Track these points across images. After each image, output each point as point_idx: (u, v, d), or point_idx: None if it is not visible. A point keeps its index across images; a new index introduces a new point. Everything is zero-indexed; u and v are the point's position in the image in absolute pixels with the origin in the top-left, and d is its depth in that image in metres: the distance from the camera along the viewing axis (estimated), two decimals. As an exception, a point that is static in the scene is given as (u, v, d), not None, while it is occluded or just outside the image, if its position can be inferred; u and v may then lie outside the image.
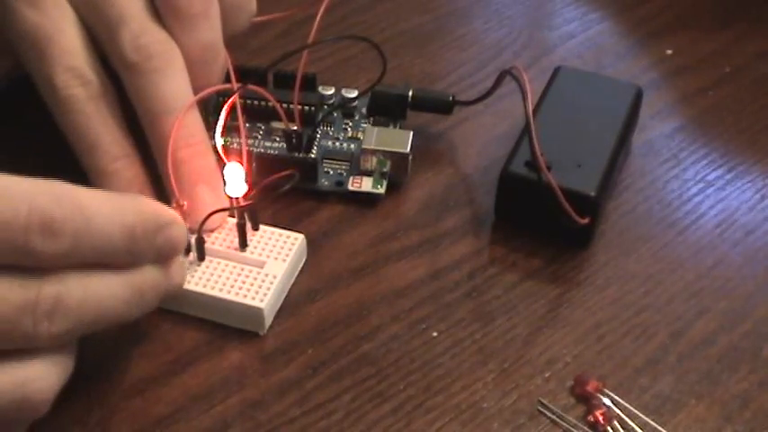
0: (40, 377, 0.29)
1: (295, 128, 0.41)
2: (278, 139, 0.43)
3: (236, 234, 0.38)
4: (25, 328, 0.28)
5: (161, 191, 0.38)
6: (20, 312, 0.28)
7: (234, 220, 0.38)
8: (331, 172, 0.42)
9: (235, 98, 0.39)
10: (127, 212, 0.31)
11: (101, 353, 0.36)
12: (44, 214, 0.28)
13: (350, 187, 0.42)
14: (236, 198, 0.37)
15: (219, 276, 0.36)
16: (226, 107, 0.38)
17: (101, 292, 0.30)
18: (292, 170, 0.37)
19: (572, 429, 0.34)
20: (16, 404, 0.29)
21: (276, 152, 0.42)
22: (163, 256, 0.32)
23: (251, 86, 0.40)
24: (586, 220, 0.38)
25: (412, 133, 0.42)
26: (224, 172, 0.36)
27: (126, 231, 0.30)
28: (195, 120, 0.38)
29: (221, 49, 0.39)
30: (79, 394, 0.34)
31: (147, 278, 0.32)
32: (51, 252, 0.28)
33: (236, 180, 0.36)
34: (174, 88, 0.37)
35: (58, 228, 0.28)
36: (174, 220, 0.32)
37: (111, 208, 0.30)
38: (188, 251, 0.37)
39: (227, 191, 0.37)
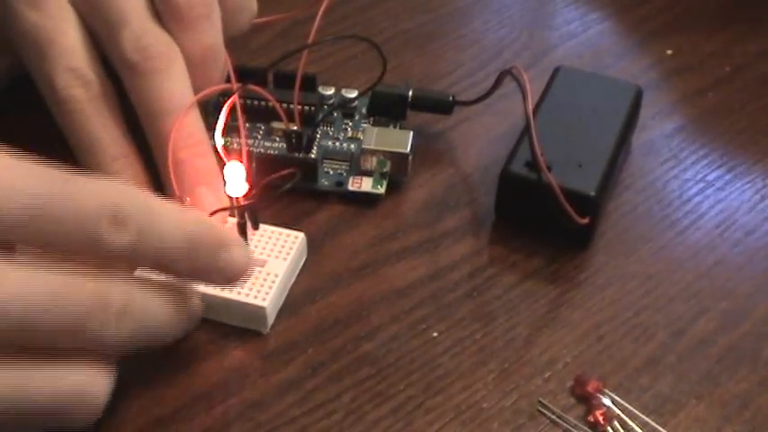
0: (97, 382, 0.30)
1: (295, 128, 0.41)
2: (278, 139, 0.43)
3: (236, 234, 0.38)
4: (94, 329, 0.29)
5: (161, 191, 0.38)
6: (91, 312, 0.29)
7: (234, 220, 0.38)
8: (331, 172, 0.42)
9: (235, 98, 0.39)
10: (192, 222, 0.31)
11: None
12: (114, 207, 0.29)
13: (350, 187, 0.42)
14: (237, 197, 0.37)
15: (220, 276, 0.36)
16: (226, 107, 0.38)
17: (161, 302, 0.31)
18: (293, 169, 0.37)
19: (572, 429, 0.34)
20: (72, 408, 0.29)
21: (276, 152, 0.42)
22: (223, 277, 0.33)
23: (251, 86, 0.40)
24: (586, 220, 0.38)
25: (412, 133, 0.42)
26: (224, 171, 0.36)
27: (189, 237, 0.31)
28: (195, 120, 0.38)
29: (222, 50, 0.39)
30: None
31: (187, 301, 0.33)
32: (118, 244, 0.29)
33: (237, 179, 0.36)
34: (174, 89, 0.37)
35: (125, 220, 0.29)
36: (239, 243, 0.33)
37: (178, 214, 0.31)
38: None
39: (227, 190, 0.37)
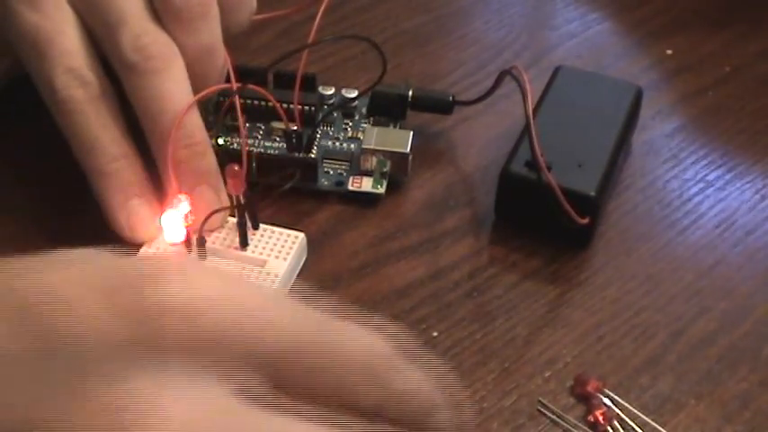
0: None
1: (295, 128, 0.41)
2: (278, 139, 0.43)
3: (236, 233, 0.38)
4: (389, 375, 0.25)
5: (161, 191, 0.38)
6: (383, 359, 0.25)
7: (234, 220, 0.38)
8: (331, 172, 0.42)
9: (234, 98, 0.39)
10: (425, 377, 0.27)
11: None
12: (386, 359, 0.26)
13: (350, 187, 0.42)
14: (237, 197, 0.37)
15: (220, 276, 0.36)
16: (225, 108, 0.38)
17: None
18: (292, 170, 0.37)
19: (572, 429, 0.34)
20: None
21: (276, 152, 0.42)
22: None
23: (251, 86, 0.40)
24: (586, 220, 0.38)
25: (412, 133, 0.42)
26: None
27: (429, 394, 0.27)
28: (195, 120, 0.38)
29: (221, 49, 0.39)
30: None
31: None
32: (400, 388, 0.26)
33: (236, 179, 0.36)
34: (173, 89, 0.37)
35: (406, 366, 0.26)
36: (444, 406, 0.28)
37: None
38: (189, 251, 0.37)
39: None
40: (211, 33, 0.39)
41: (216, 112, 0.42)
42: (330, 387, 0.25)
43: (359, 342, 0.25)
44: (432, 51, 0.50)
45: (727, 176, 0.44)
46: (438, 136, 0.45)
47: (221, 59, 0.39)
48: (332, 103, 0.45)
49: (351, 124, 0.44)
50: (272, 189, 0.37)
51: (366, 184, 0.42)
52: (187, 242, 0.36)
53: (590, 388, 0.35)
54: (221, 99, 0.42)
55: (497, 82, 0.43)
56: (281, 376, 0.24)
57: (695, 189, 0.43)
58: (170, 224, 0.36)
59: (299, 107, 0.42)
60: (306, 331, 0.25)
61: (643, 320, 0.38)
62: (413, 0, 0.54)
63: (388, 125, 0.44)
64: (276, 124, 0.43)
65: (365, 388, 0.25)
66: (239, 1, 0.41)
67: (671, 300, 0.38)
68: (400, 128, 0.44)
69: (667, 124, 0.46)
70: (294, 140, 0.41)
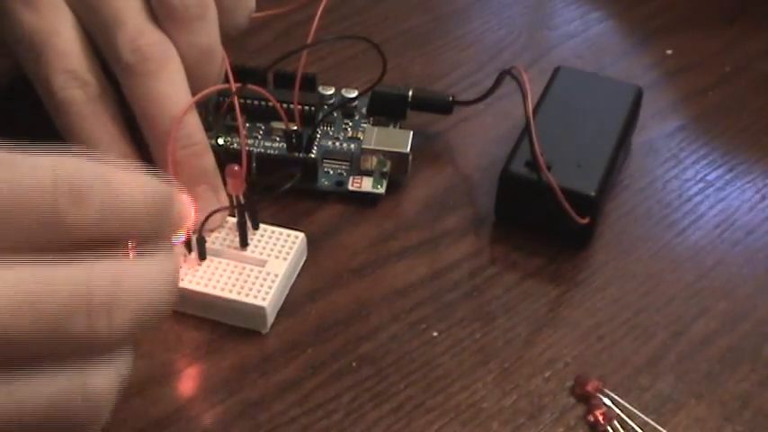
0: (98, 381, 0.26)
1: (295, 128, 0.41)
2: (278, 139, 0.43)
3: (236, 233, 0.38)
4: (78, 330, 0.24)
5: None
6: (70, 309, 0.24)
7: (234, 220, 0.38)
8: (331, 172, 0.42)
9: (234, 99, 0.39)
10: (145, 182, 0.27)
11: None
12: (71, 181, 0.25)
13: (350, 187, 0.42)
14: (237, 197, 0.37)
15: (221, 276, 0.37)
16: (225, 108, 0.38)
17: (148, 275, 0.26)
18: (292, 170, 0.37)
19: (572, 429, 0.34)
20: (73, 412, 0.25)
21: (276, 152, 0.42)
22: (175, 231, 0.29)
23: (251, 86, 0.40)
24: (586, 220, 0.38)
25: (412, 133, 0.42)
26: (224, 172, 0.36)
27: (148, 200, 0.27)
28: (193, 120, 0.38)
29: (219, 50, 0.39)
30: None
31: (172, 259, 0.28)
32: (81, 222, 0.25)
33: (236, 179, 0.36)
34: (171, 90, 0.37)
35: (85, 194, 0.25)
36: (177, 193, 0.29)
37: (133, 178, 0.27)
38: (189, 251, 0.37)
39: (227, 190, 0.37)
40: (209, 34, 0.39)
41: (216, 113, 0.42)
42: (20, 230, 0.25)
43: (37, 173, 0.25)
44: (431, 51, 0.50)
45: (728, 176, 0.44)
46: (438, 136, 0.45)
47: (219, 60, 0.39)
48: (332, 103, 0.45)
49: (351, 124, 0.44)
50: (272, 189, 0.37)
51: (366, 184, 0.42)
52: (187, 242, 0.36)
53: (590, 388, 0.35)
54: (221, 99, 0.42)
55: (497, 82, 0.43)
56: None
57: (695, 189, 0.43)
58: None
59: (299, 107, 0.42)
60: None
61: (643, 320, 0.38)
62: (413, 0, 0.54)
63: (388, 125, 0.44)
64: (276, 124, 0.43)
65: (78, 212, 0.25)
66: (238, 1, 0.41)
67: (671, 300, 0.38)
68: (400, 128, 0.44)
69: (667, 124, 0.46)
70: (294, 140, 0.41)
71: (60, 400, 0.25)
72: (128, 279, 0.26)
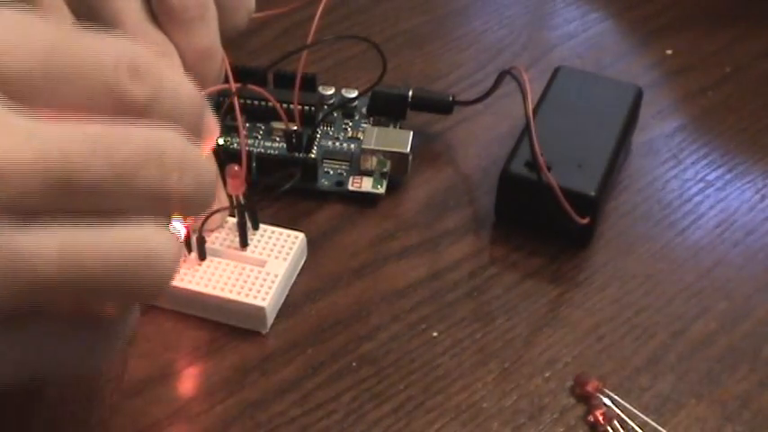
0: (164, 240, 0.25)
1: (295, 128, 0.41)
2: (278, 139, 0.43)
3: (236, 234, 0.38)
4: (151, 180, 0.25)
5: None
6: (146, 159, 0.25)
7: (234, 220, 0.38)
8: (331, 172, 0.42)
9: (234, 99, 0.39)
10: (190, 82, 0.28)
11: (101, 353, 0.36)
12: (132, 58, 0.26)
13: (350, 187, 0.42)
14: (237, 197, 0.37)
15: (221, 276, 0.37)
16: (225, 108, 0.38)
17: (203, 158, 0.27)
18: (292, 170, 0.37)
19: (572, 429, 0.34)
20: (136, 271, 0.25)
21: (276, 152, 0.42)
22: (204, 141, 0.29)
23: (251, 86, 0.40)
24: (586, 220, 0.38)
25: (412, 133, 0.42)
26: (224, 172, 0.36)
27: (196, 96, 0.28)
28: None
29: (218, 51, 0.39)
30: (79, 394, 0.34)
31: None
32: (139, 96, 0.25)
33: (236, 180, 0.36)
34: None
35: (144, 71, 0.26)
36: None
37: (181, 73, 0.28)
38: (189, 251, 0.37)
39: (227, 190, 0.37)
40: (209, 35, 0.38)
41: (216, 113, 0.42)
42: (81, 95, 0.25)
43: (105, 47, 0.25)
44: (431, 51, 0.50)
45: (728, 176, 0.44)
46: (438, 136, 0.45)
47: (219, 60, 0.39)
48: (332, 103, 0.45)
49: (351, 124, 0.44)
50: (272, 189, 0.37)
51: (366, 184, 0.42)
52: (187, 242, 0.36)
53: (590, 388, 0.35)
54: (221, 99, 0.42)
55: (497, 82, 0.43)
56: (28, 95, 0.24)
57: (695, 189, 0.43)
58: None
59: (299, 107, 0.42)
60: (42, 46, 0.25)
61: (643, 320, 0.38)
62: (412, 0, 0.54)
63: (388, 125, 0.44)
64: (276, 124, 0.43)
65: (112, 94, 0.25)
66: (237, 2, 0.41)
67: (671, 300, 0.38)
68: (400, 128, 0.44)
69: (667, 124, 0.46)
70: (294, 140, 0.41)
71: (122, 255, 0.25)
72: (192, 151, 0.26)
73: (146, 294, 0.26)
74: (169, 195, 0.25)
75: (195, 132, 0.28)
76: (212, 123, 0.30)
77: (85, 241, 0.24)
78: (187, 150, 0.26)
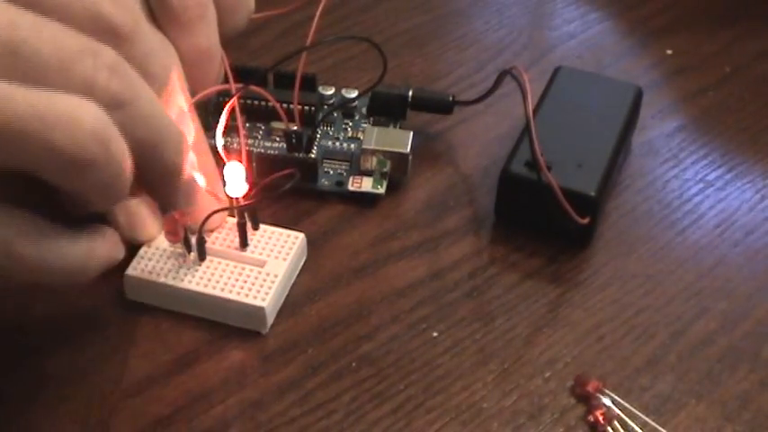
0: (89, 104, 0.27)
1: (295, 128, 0.41)
2: (278, 139, 0.43)
3: (236, 234, 0.38)
4: (84, 70, 0.27)
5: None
6: (80, 54, 0.27)
7: (234, 220, 0.38)
8: (331, 172, 0.42)
9: (235, 100, 0.39)
10: None
11: (100, 353, 0.36)
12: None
13: (350, 187, 0.42)
14: (237, 198, 0.37)
15: (221, 276, 0.37)
16: (226, 109, 0.38)
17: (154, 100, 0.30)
18: (292, 170, 0.37)
19: (572, 429, 0.34)
20: (66, 115, 0.27)
21: (276, 152, 0.42)
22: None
23: (251, 87, 0.39)
24: (586, 220, 0.38)
25: (412, 133, 0.42)
26: (224, 171, 0.36)
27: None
28: (196, 125, 0.38)
29: (218, 51, 0.39)
30: (79, 394, 0.34)
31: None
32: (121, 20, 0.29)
33: (237, 179, 0.36)
34: None
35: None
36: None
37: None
38: (189, 251, 0.37)
39: (227, 190, 0.37)
40: (209, 36, 0.38)
41: (216, 113, 0.42)
42: None
43: None
44: (431, 51, 0.50)
45: (728, 176, 0.44)
46: (438, 136, 0.45)
47: (218, 61, 0.39)
48: (332, 103, 0.45)
49: (351, 124, 0.44)
50: (271, 189, 0.37)
51: (366, 184, 0.42)
52: (187, 242, 0.36)
53: (590, 388, 0.35)
54: (221, 100, 0.42)
55: (497, 82, 0.43)
56: None
57: (695, 189, 0.43)
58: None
59: (299, 107, 0.42)
60: None
61: (643, 320, 0.38)
62: (413, 0, 0.54)
63: (388, 125, 0.44)
64: (276, 124, 0.43)
65: None
66: (237, 2, 0.41)
67: (671, 300, 0.38)
68: (400, 128, 0.44)
69: (667, 124, 0.46)
70: (294, 140, 0.41)
71: (48, 104, 0.26)
72: (131, 74, 0.29)
73: (63, 157, 0.27)
74: (98, 87, 0.27)
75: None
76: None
77: (14, 92, 0.26)
78: (122, 63, 0.28)
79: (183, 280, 0.36)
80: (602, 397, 0.35)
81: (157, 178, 0.31)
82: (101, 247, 0.31)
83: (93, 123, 0.27)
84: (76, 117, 0.27)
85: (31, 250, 0.28)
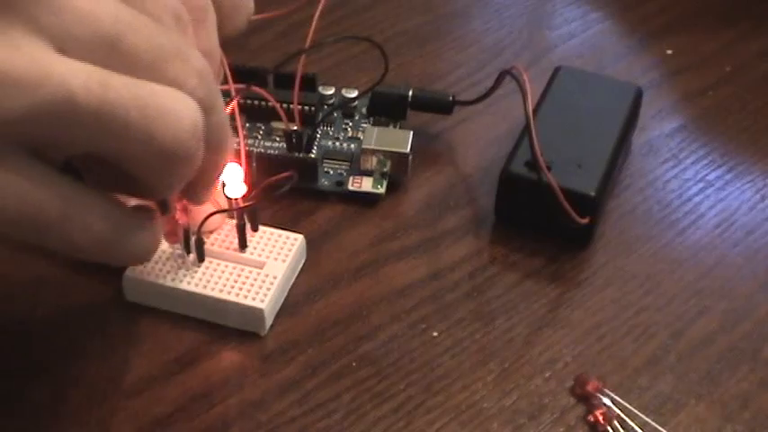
0: (185, 99, 0.27)
1: (295, 128, 0.41)
2: (278, 139, 0.43)
3: (235, 235, 0.38)
4: (175, 72, 0.27)
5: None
6: (174, 56, 0.27)
7: (233, 221, 0.38)
8: (331, 172, 0.42)
9: (236, 101, 0.39)
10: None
11: (100, 353, 0.36)
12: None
13: (350, 187, 0.42)
14: (236, 199, 0.37)
15: (219, 277, 0.37)
16: (227, 110, 0.38)
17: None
18: (291, 171, 0.37)
19: (572, 429, 0.34)
20: (165, 108, 0.26)
21: (276, 152, 0.42)
22: None
23: (251, 87, 0.39)
24: (586, 220, 0.38)
25: (412, 133, 0.42)
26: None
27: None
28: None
29: (218, 53, 0.39)
30: (79, 394, 0.34)
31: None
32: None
33: (235, 180, 0.36)
34: None
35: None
36: None
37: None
38: (188, 252, 0.37)
39: (226, 191, 0.37)
40: (209, 38, 0.38)
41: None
42: None
43: None
44: (431, 51, 0.50)
45: (728, 176, 0.44)
46: (438, 136, 0.45)
47: (217, 63, 0.39)
48: (332, 103, 0.45)
49: (351, 124, 0.44)
50: (271, 190, 0.37)
51: (366, 184, 0.42)
52: (186, 243, 0.36)
53: (590, 388, 0.35)
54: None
55: (497, 82, 0.43)
56: None
57: (695, 189, 0.43)
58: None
59: (299, 107, 0.42)
60: None
61: (643, 320, 0.38)
62: (413, 0, 0.54)
63: (388, 125, 0.44)
64: (276, 124, 0.43)
65: None
66: (237, 4, 0.41)
67: (671, 300, 0.38)
68: (400, 128, 0.44)
69: (667, 124, 0.46)
70: (294, 140, 0.41)
71: (150, 95, 0.26)
72: (207, 71, 0.29)
73: (162, 149, 0.27)
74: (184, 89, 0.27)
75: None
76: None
77: (116, 79, 0.26)
78: (209, 71, 0.29)
79: (182, 281, 0.36)
80: (602, 397, 0.35)
81: (200, 175, 0.31)
82: (159, 233, 0.31)
83: (194, 119, 0.27)
84: (178, 111, 0.27)
85: (111, 234, 0.28)
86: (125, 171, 0.27)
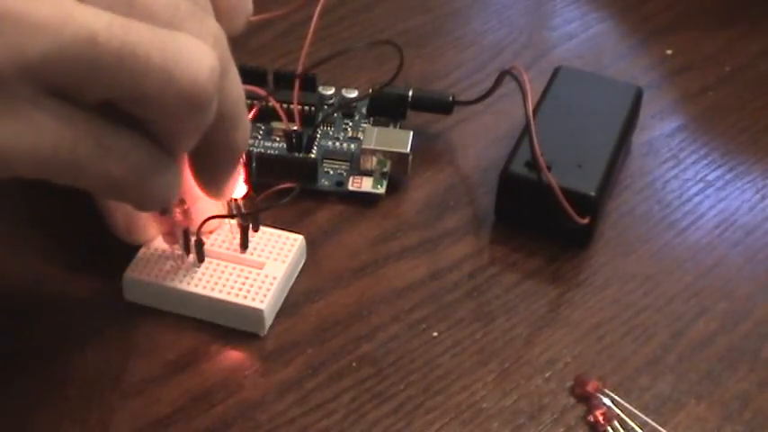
0: (205, 46, 0.27)
1: (295, 128, 0.41)
2: (278, 139, 0.43)
3: (234, 235, 0.38)
4: (191, 30, 0.27)
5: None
6: (191, 16, 0.28)
7: (233, 222, 0.38)
8: (331, 172, 0.42)
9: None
10: None
11: (100, 353, 0.36)
12: None
13: (350, 187, 0.42)
14: (236, 199, 0.37)
15: (219, 278, 0.36)
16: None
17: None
18: (295, 181, 0.37)
19: (572, 429, 0.34)
20: (186, 52, 0.27)
21: (276, 152, 0.42)
22: None
23: (251, 87, 0.39)
24: (586, 220, 0.38)
25: (412, 133, 0.42)
26: None
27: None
28: None
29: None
30: (79, 394, 0.34)
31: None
32: None
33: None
34: None
35: None
36: None
37: None
38: (188, 252, 0.37)
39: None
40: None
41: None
42: None
43: None
44: (431, 51, 0.50)
45: (728, 176, 0.44)
46: (438, 136, 0.45)
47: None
48: (332, 103, 0.45)
49: (351, 124, 0.44)
50: (271, 200, 0.37)
51: (366, 184, 0.42)
52: (186, 244, 0.36)
53: (590, 388, 0.35)
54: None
55: (497, 82, 0.43)
56: None
57: (695, 189, 0.43)
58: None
59: (299, 107, 0.42)
60: None
61: (643, 320, 0.38)
62: (412, 0, 0.54)
63: (388, 125, 0.44)
64: (276, 124, 0.43)
65: None
66: (235, 6, 0.41)
67: (671, 300, 0.38)
68: (400, 128, 0.44)
69: (667, 124, 0.46)
70: (294, 140, 0.41)
71: (170, 40, 0.27)
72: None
73: (180, 91, 0.27)
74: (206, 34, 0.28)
75: None
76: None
77: (137, 23, 0.26)
78: (223, 34, 0.30)
79: (181, 282, 0.36)
80: (602, 397, 0.35)
81: (219, 156, 0.31)
82: (181, 177, 0.31)
83: (212, 65, 0.27)
84: (198, 55, 0.27)
85: (147, 161, 0.28)
86: (143, 120, 0.28)
